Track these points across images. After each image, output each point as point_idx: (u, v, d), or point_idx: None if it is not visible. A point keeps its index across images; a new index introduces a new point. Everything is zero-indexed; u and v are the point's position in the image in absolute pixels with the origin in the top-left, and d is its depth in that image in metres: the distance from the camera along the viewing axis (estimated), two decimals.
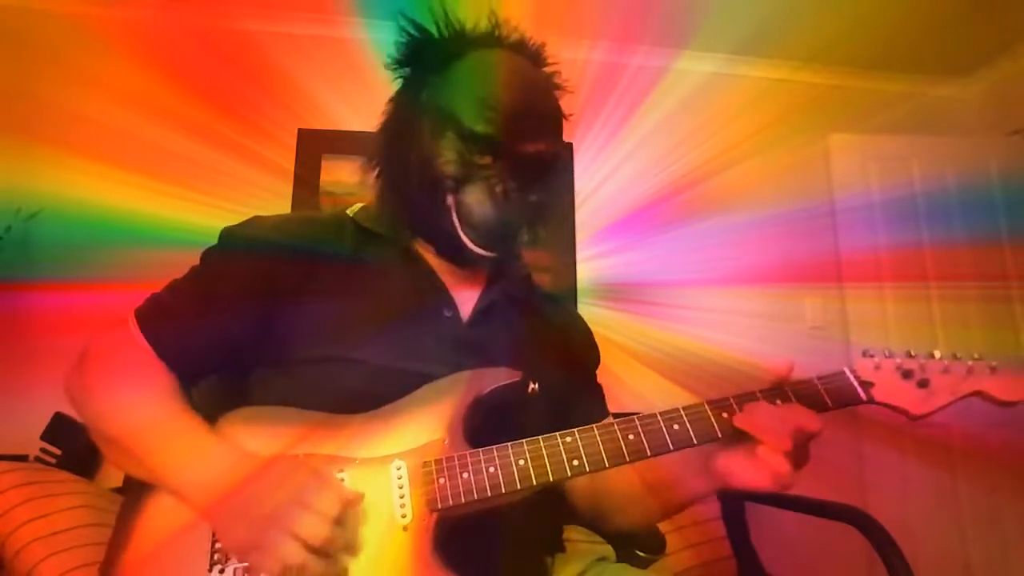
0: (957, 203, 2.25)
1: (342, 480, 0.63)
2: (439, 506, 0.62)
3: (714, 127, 2.30)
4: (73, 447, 1.45)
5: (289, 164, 2.02)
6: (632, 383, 1.79)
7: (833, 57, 2.31)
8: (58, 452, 1.47)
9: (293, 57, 2.02)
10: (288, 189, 2.00)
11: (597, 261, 2.10)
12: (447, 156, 0.73)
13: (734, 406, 0.67)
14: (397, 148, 0.78)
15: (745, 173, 2.27)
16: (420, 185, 0.75)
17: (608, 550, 1.24)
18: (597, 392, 0.92)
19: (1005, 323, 2.22)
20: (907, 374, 0.69)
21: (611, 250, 2.12)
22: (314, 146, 2.04)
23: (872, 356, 0.71)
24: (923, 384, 0.68)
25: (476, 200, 0.73)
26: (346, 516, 0.58)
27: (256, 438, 0.65)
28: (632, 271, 2.11)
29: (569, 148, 2.14)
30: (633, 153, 2.19)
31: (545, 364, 0.79)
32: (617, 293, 2.07)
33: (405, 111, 0.79)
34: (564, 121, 0.84)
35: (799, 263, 2.22)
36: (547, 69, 0.82)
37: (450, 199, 0.73)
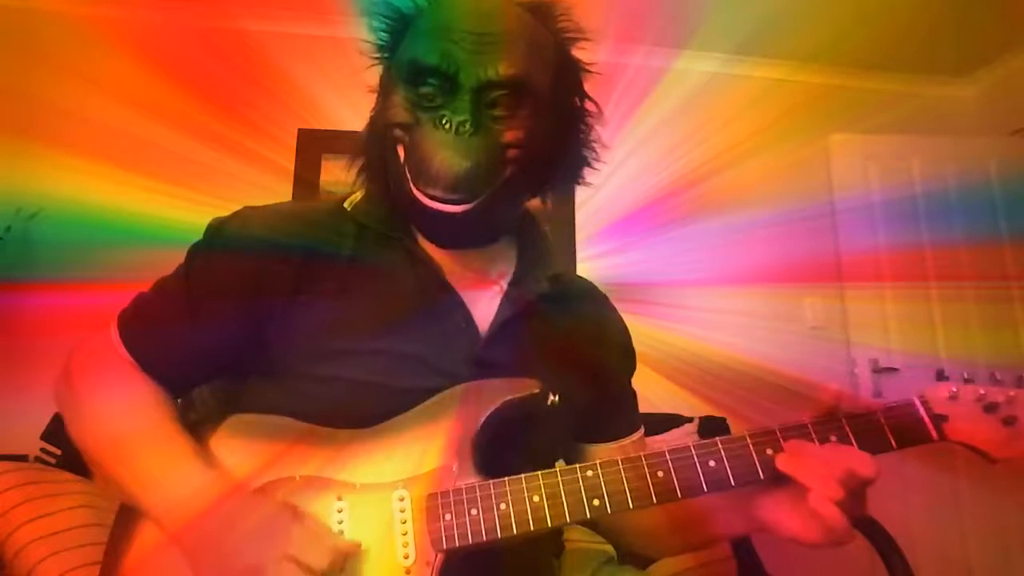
0: (957, 203, 2.25)
1: (340, 511, 0.59)
2: (444, 547, 0.57)
3: (714, 127, 2.30)
4: (73, 447, 1.45)
5: (289, 164, 2.02)
6: (632, 383, 1.78)
7: (833, 57, 2.31)
8: (58, 452, 1.47)
9: (293, 57, 2.02)
10: (288, 189, 2.01)
11: (597, 261, 2.11)
12: (395, 102, 0.63)
13: (780, 440, 0.58)
14: (369, 127, 0.71)
15: (745, 173, 2.27)
16: (377, 147, 0.67)
17: (611, 549, 1.24)
18: (626, 401, 0.83)
19: (1005, 323, 2.22)
20: (991, 408, 0.57)
21: (611, 250, 2.13)
22: (314, 146, 2.04)
23: (947, 380, 0.59)
24: (1010, 422, 0.56)
25: (422, 140, 0.61)
26: (339, 568, 0.54)
27: (248, 451, 0.61)
28: (632, 271, 2.11)
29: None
30: (633, 153, 2.19)
31: (568, 373, 0.70)
32: (617, 293, 2.05)
33: (379, 90, 0.71)
34: (583, 73, 0.72)
35: (799, 263, 2.22)
36: (554, 22, 0.69)
37: (400, 151, 0.63)
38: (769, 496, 0.59)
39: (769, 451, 0.58)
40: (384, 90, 0.68)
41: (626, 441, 0.78)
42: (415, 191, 0.61)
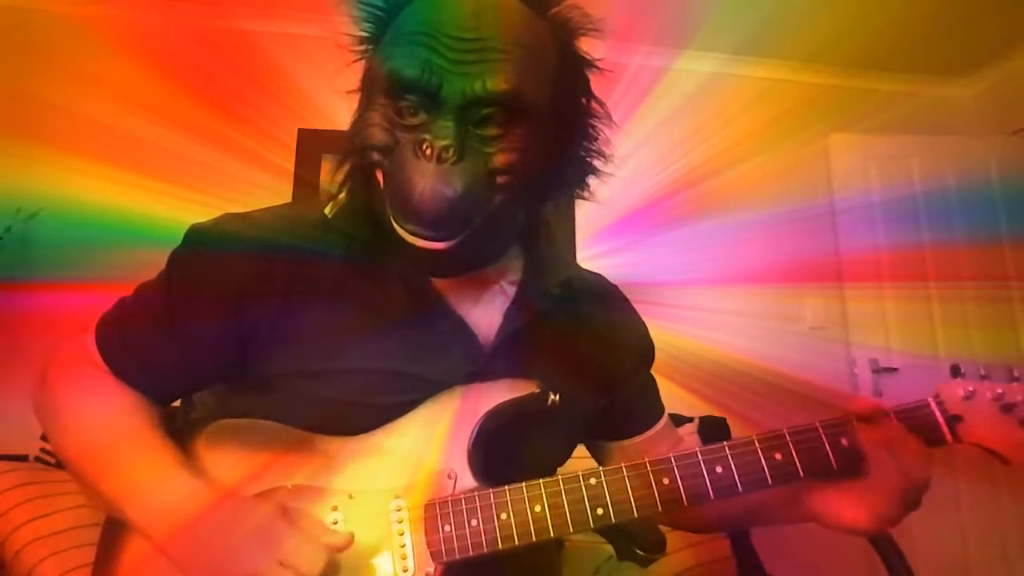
0: (957, 203, 2.25)
1: (335, 522, 0.57)
2: (444, 559, 0.55)
3: (714, 127, 2.30)
4: None
5: (289, 164, 2.03)
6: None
7: (833, 57, 2.31)
8: None
9: (293, 57, 2.02)
10: (288, 189, 2.01)
11: (597, 261, 2.10)
12: (373, 120, 0.56)
13: (789, 443, 0.57)
14: (348, 138, 0.63)
15: (745, 173, 2.27)
16: (358, 162, 0.60)
17: (610, 548, 1.24)
18: (645, 395, 0.79)
19: (1005, 323, 2.22)
20: (1008, 408, 0.55)
21: (611, 250, 2.12)
22: (314, 146, 2.04)
23: (963, 376, 0.57)
24: None
25: (400, 167, 0.54)
26: (336, 566, 0.53)
27: (236, 458, 0.60)
28: (632, 271, 2.10)
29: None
30: (633, 153, 2.19)
31: (579, 381, 0.67)
32: None
33: (361, 91, 0.64)
34: (590, 71, 0.63)
35: (799, 263, 2.22)
36: (555, 11, 0.60)
37: (379, 177, 0.57)
38: (824, 488, 0.58)
39: (778, 455, 0.56)
40: (366, 92, 0.62)
41: (650, 433, 0.76)
42: (394, 224, 0.55)
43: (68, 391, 0.63)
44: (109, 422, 0.60)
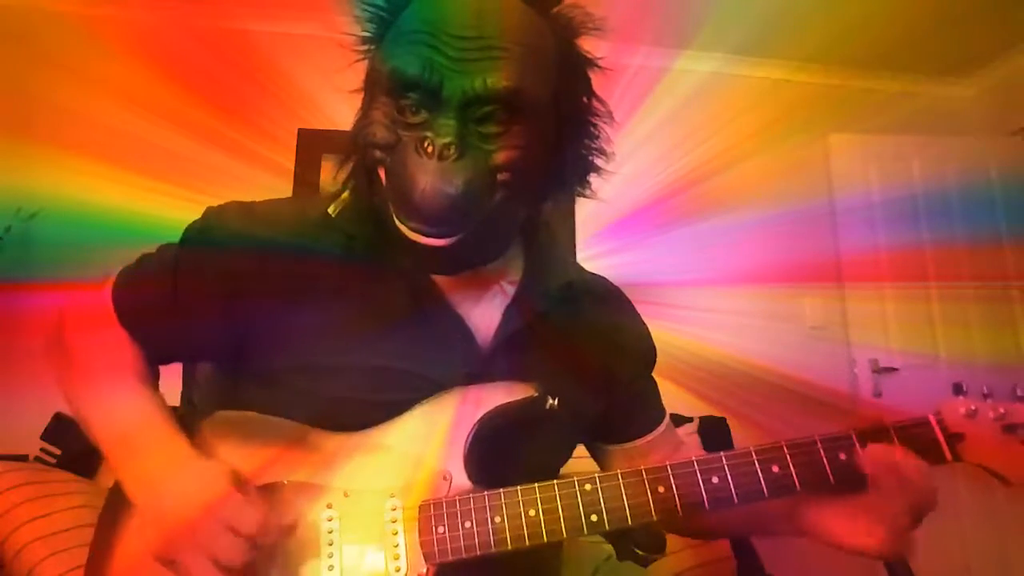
0: (957, 203, 2.25)
1: (331, 519, 0.57)
2: (437, 560, 0.55)
3: (714, 127, 2.30)
4: (73, 447, 1.45)
5: (289, 164, 2.03)
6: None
7: (833, 57, 2.31)
8: (58, 452, 1.47)
9: (293, 57, 2.02)
10: (288, 189, 2.01)
11: (597, 261, 2.10)
12: (375, 118, 0.57)
13: (786, 456, 0.56)
14: (352, 136, 0.64)
15: (745, 173, 2.27)
16: (361, 160, 0.61)
17: (610, 548, 1.24)
18: (646, 400, 0.79)
19: (1005, 323, 2.22)
20: (1011, 428, 0.54)
21: (611, 250, 2.12)
22: (314, 146, 2.04)
23: (965, 394, 0.56)
24: None
25: (403, 167, 0.54)
26: (269, 539, 0.53)
27: (241, 453, 0.60)
28: (632, 271, 2.10)
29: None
30: (633, 153, 2.19)
31: (578, 383, 0.67)
32: None
33: (364, 90, 0.65)
34: (591, 70, 0.64)
35: (799, 263, 2.22)
36: (556, 10, 0.61)
37: (382, 174, 0.58)
38: (823, 504, 0.58)
39: (775, 468, 0.56)
40: (369, 92, 0.63)
41: (651, 436, 0.76)
42: (396, 221, 0.56)
43: (80, 336, 0.66)
44: (121, 393, 0.62)
